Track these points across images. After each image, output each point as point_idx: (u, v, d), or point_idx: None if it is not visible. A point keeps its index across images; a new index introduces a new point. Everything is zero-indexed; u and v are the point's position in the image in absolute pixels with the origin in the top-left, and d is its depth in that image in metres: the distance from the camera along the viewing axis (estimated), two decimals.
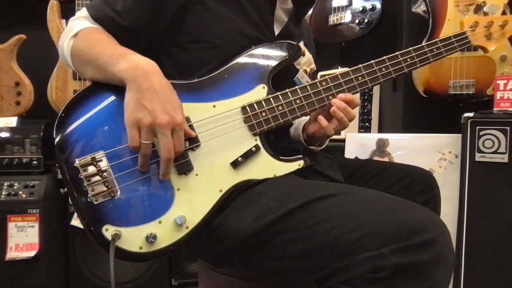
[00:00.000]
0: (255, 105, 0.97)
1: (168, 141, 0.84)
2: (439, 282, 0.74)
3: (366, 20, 2.26)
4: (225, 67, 0.99)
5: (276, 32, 1.11)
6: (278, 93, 0.99)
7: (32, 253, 1.85)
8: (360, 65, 1.06)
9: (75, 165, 0.87)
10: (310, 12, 2.49)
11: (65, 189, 0.89)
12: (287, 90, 0.99)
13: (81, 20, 1.01)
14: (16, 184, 1.91)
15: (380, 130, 2.37)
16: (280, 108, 0.98)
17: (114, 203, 0.87)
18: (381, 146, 2.00)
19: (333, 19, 2.36)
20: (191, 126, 0.92)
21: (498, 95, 1.75)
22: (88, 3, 0.99)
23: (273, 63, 1.01)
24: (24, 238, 1.87)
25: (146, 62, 0.88)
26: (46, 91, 2.20)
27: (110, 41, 0.96)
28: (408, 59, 1.09)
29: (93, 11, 1.00)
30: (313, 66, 1.17)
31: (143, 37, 1.01)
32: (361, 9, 2.27)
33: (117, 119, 0.88)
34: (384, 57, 1.08)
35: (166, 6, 0.98)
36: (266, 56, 1.01)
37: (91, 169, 0.87)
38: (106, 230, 0.86)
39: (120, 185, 0.87)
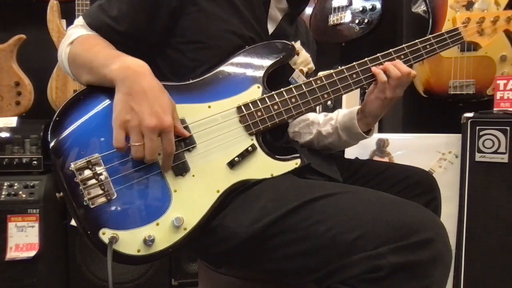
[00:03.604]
0: (250, 104, 0.97)
1: (152, 145, 0.83)
2: (436, 282, 0.74)
3: (366, 20, 2.26)
4: (219, 68, 0.99)
5: (270, 31, 1.10)
6: (273, 92, 0.99)
7: (32, 253, 1.85)
8: (354, 63, 1.06)
9: (70, 168, 0.85)
10: (310, 12, 2.50)
11: (61, 193, 0.88)
12: (282, 89, 0.99)
13: (78, 28, 1.01)
14: (16, 184, 1.90)
15: (380, 130, 2.36)
16: (275, 107, 0.98)
17: (110, 206, 0.86)
18: (381, 146, 2.00)
19: (333, 19, 2.35)
20: (186, 127, 0.92)
21: (498, 95, 1.75)
22: (85, 10, 0.99)
23: (268, 62, 1.01)
24: (24, 238, 1.86)
25: (136, 63, 0.87)
26: (46, 91, 2.21)
27: (106, 45, 0.97)
28: (402, 56, 1.10)
29: (89, 19, 1.00)
30: (311, 65, 1.16)
31: (140, 41, 1.00)
32: (361, 9, 2.27)
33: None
34: (378, 54, 1.09)
35: (160, 9, 0.98)
36: (260, 56, 1.01)
37: (87, 172, 0.86)
38: (103, 233, 0.85)
39: (116, 188, 0.87)
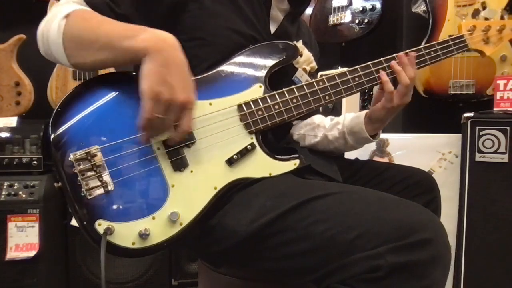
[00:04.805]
0: (251, 103, 0.97)
1: (171, 120, 0.83)
2: (435, 282, 0.74)
3: (366, 20, 2.26)
4: (222, 66, 0.99)
5: (272, 31, 1.10)
6: (274, 92, 0.99)
7: (32, 253, 1.85)
8: (357, 66, 1.06)
9: (69, 159, 0.86)
10: (310, 12, 2.50)
11: (59, 183, 0.88)
12: (283, 89, 0.99)
13: (71, 4, 0.92)
14: (16, 184, 1.90)
15: None
16: (276, 107, 0.98)
17: (107, 198, 0.86)
18: (381, 146, 2.00)
19: (333, 19, 2.36)
20: None
21: (498, 95, 1.75)
22: None
23: (270, 62, 1.01)
24: (24, 238, 1.87)
25: (169, 37, 0.84)
26: (46, 91, 2.21)
27: (117, 21, 0.89)
28: None
29: None
30: (314, 64, 1.16)
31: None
32: (361, 9, 2.27)
33: (113, 114, 0.88)
34: (382, 58, 1.09)
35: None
36: (263, 55, 1.02)
37: (86, 163, 0.86)
38: (99, 225, 0.85)
39: (114, 180, 0.87)
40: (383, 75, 1.07)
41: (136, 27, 0.86)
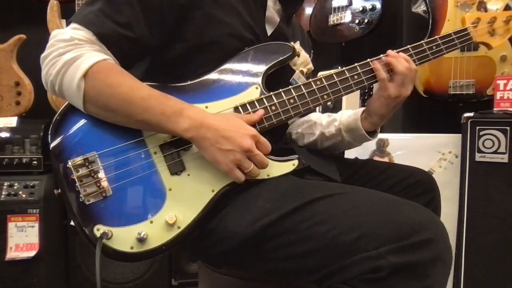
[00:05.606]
0: (247, 105, 0.96)
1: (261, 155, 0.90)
2: (437, 282, 0.74)
3: (366, 20, 2.26)
4: (218, 69, 0.99)
5: (269, 33, 1.10)
6: (271, 93, 0.98)
7: (32, 253, 1.85)
8: (355, 64, 1.05)
9: (67, 165, 0.87)
10: (310, 12, 2.50)
11: (59, 190, 0.90)
12: (280, 90, 0.99)
13: (81, 48, 0.88)
14: (16, 184, 1.91)
15: (380, 130, 2.35)
16: (273, 108, 0.97)
17: (105, 204, 0.87)
18: (381, 146, 2.00)
19: (333, 19, 2.35)
20: None
21: (498, 95, 1.75)
22: (80, 18, 0.90)
23: (267, 63, 1.01)
24: (24, 238, 1.87)
25: (202, 115, 0.88)
26: (46, 91, 2.20)
27: (145, 87, 0.89)
28: None
29: (95, 27, 0.89)
30: (310, 66, 1.15)
31: (146, 47, 0.96)
32: (361, 9, 2.27)
33: None
34: (381, 55, 1.07)
35: (167, 12, 0.94)
36: (260, 57, 1.01)
37: (84, 169, 0.87)
38: (98, 230, 0.86)
39: (112, 185, 0.88)
40: (375, 63, 1.05)
41: (172, 108, 0.87)
